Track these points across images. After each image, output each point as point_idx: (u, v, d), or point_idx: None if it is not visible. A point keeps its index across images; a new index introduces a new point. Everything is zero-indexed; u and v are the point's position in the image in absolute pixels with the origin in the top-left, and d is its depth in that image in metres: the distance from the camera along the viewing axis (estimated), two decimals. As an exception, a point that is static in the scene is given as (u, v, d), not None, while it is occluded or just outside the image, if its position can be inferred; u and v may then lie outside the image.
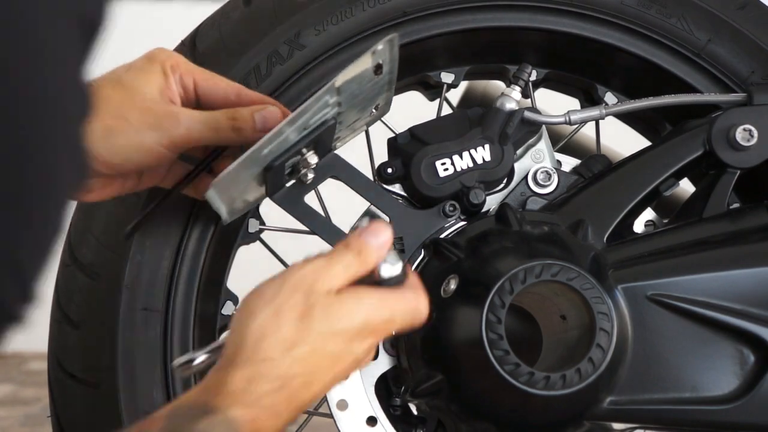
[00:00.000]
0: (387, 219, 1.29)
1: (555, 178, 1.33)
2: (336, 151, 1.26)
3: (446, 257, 1.26)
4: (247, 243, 1.36)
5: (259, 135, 1.12)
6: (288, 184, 1.22)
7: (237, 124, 1.16)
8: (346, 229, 1.24)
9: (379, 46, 1.11)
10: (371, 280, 1.00)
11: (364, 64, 1.12)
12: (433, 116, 1.36)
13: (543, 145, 1.34)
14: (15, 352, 3.09)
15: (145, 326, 1.29)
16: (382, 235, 1.00)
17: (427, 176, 1.29)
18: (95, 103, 0.69)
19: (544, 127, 1.34)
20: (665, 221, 1.37)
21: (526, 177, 1.33)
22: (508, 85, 1.34)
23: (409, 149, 1.30)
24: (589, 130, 1.47)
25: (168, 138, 1.15)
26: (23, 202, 0.65)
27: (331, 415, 1.30)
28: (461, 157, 1.30)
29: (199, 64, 1.22)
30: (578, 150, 1.52)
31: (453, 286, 1.23)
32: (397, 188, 1.32)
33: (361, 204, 1.29)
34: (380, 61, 1.14)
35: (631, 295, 1.24)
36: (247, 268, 1.39)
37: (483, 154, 1.30)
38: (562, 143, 1.47)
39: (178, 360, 1.02)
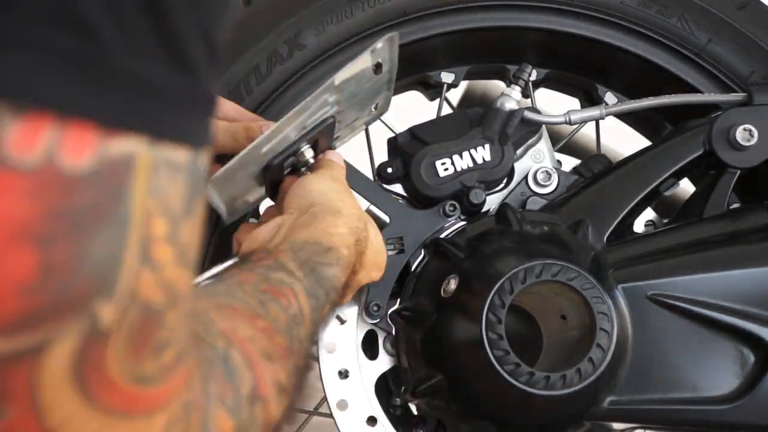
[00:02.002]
0: (387, 219, 1.29)
1: (555, 178, 1.33)
2: (336, 151, 1.26)
3: (446, 257, 1.26)
4: (247, 243, 1.36)
5: None
6: (287, 184, 1.22)
7: (251, 134, 1.19)
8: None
9: (379, 45, 1.11)
10: None
11: (363, 62, 1.12)
12: (433, 116, 1.36)
13: (543, 145, 1.34)
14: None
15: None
16: None
17: (428, 176, 1.29)
18: None
19: (544, 127, 1.34)
20: (665, 221, 1.37)
21: (526, 177, 1.33)
22: (508, 85, 1.34)
23: (409, 149, 1.30)
24: (589, 130, 1.47)
25: None
26: None
27: (331, 415, 1.30)
28: (461, 157, 1.30)
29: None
30: (578, 150, 1.52)
31: (453, 286, 1.23)
32: (397, 188, 1.32)
33: (361, 203, 1.29)
34: (380, 60, 1.13)
35: (631, 295, 1.24)
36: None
37: (483, 154, 1.30)
38: (562, 143, 1.46)
39: (202, 277, 1.10)
